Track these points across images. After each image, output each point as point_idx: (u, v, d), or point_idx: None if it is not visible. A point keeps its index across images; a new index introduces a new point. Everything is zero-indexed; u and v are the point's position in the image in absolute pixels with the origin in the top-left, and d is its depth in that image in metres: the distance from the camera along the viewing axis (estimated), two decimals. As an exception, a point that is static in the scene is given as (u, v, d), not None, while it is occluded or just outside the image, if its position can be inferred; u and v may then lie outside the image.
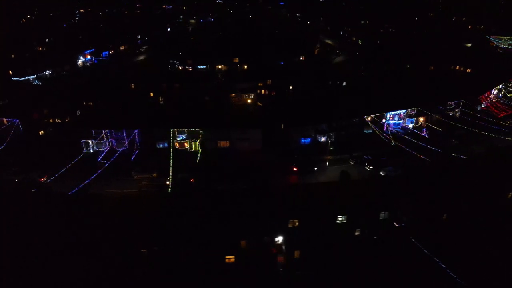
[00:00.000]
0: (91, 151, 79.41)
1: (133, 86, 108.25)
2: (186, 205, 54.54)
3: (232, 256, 48.64)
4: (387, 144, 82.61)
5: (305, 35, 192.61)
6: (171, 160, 69.58)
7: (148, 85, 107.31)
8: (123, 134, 78.96)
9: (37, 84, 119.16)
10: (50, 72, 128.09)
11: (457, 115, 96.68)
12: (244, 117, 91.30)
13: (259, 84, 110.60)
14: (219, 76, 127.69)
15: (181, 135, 79.48)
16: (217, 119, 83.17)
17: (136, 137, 78.77)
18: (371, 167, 73.67)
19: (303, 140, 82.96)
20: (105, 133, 78.76)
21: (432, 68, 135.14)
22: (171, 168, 67.59)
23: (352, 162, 76.17)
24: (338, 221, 52.21)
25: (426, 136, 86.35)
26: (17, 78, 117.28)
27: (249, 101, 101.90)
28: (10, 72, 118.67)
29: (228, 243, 49.31)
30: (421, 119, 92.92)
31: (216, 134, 79.54)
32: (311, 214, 51.26)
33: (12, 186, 65.54)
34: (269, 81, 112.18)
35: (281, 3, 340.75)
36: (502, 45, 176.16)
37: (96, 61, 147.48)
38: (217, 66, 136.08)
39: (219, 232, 49.85)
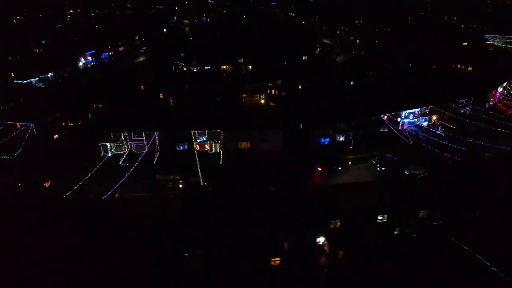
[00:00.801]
0: (109, 154, 77.89)
1: (142, 87, 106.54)
2: (222, 208, 54.05)
3: (278, 258, 48.20)
4: (404, 143, 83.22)
5: (304, 35, 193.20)
6: (197, 162, 68.69)
7: (157, 87, 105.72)
8: (143, 137, 77.66)
9: (40, 87, 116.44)
10: (52, 74, 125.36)
11: (468, 113, 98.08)
12: (260, 117, 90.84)
13: (269, 84, 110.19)
14: (224, 76, 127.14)
15: (202, 136, 78.61)
16: (235, 120, 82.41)
17: (156, 139, 77.53)
18: (383, 168, 72.95)
19: (322, 140, 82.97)
20: (124, 136, 77.33)
21: (434, 66, 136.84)
22: (199, 170, 66.65)
23: (374, 161, 76.50)
24: (378, 221, 52.33)
25: (441, 134, 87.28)
26: (20, 81, 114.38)
27: (262, 101, 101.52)
28: (12, 75, 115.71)
29: (272, 245, 48.90)
30: (434, 117, 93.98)
31: (237, 135, 78.85)
32: (352, 214, 51.27)
33: (15, 191, 64.07)
34: (279, 81, 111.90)
35: (273, 3, 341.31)
36: (497, 44, 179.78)
37: (97, 63, 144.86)
38: (222, 67, 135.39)
39: (261, 235, 49.51)
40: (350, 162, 76.17)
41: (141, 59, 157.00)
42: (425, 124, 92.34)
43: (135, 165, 70.00)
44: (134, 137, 77.74)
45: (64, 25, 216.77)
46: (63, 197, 58.76)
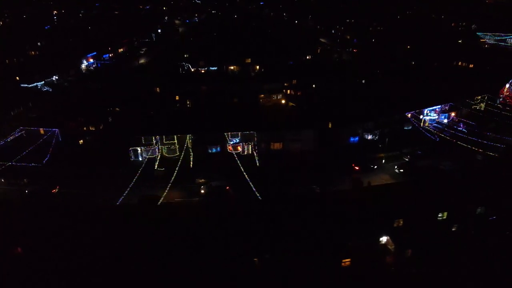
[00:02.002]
0: (140, 159, 75.96)
1: (158, 89, 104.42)
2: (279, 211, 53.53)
3: (348, 259, 48.04)
4: (429, 140, 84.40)
5: (300, 35, 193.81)
6: (240, 165, 67.77)
7: (173, 89, 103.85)
8: (175, 140, 76.02)
9: (47, 91, 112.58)
10: (57, 77, 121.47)
11: (482, 109, 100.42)
12: (284, 117, 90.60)
13: (285, 84, 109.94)
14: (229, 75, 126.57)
15: (234, 138, 77.58)
16: (265, 121, 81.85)
17: (188, 142, 76.04)
18: (401, 170, 71.73)
19: (352, 139, 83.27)
20: (155, 140, 75.57)
21: (436, 64, 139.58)
22: (244, 173, 65.71)
23: (406, 158, 77.23)
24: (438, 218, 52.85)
25: (464, 130, 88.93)
26: (25, 85, 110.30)
27: (283, 101, 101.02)
28: (17, 78, 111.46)
29: (341, 246, 48.70)
30: (453, 113, 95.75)
31: (269, 136, 78.19)
32: (415, 213, 51.58)
33: (22, 198, 62.12)
34: (294, 81, 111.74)
35: (261, 3, 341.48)
36: (489, 41, 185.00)
37: (99, 65, 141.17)
38: (229, 67, 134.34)
39: (328, 236, 49.26)
40: (383, 161, 76.58)
41: (142, 60, 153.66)
42: (445, 121, 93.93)
43: (177, 169, 68.00)
44: (165, 141, 75.90)
45: (53, 26, 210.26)
46: (116, 204, 57.01)
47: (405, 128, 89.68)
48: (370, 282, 46.40)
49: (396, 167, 73.37)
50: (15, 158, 71.93)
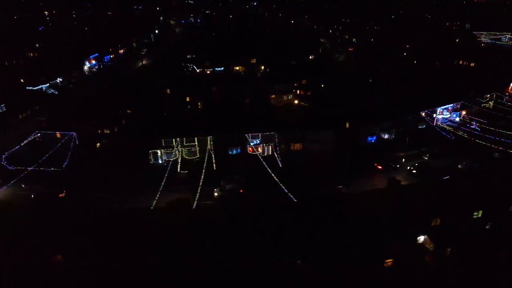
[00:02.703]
0: (160, 161, 74.95)
1: (168, 91, 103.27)
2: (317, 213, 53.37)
3: (390, 260, 48.02)
4: (444, 139, 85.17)
5: (300, 35, 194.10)
6: (265, 166, 67.31)
7: (184, 90, 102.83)
8: (195, 142, 75.22)
9: (53, 93, 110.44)
10: (61, 79, 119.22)
11: (491, 107, 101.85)
12: (297, 117, 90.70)
13: (295, 84, 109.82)
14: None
15: (255, 139, 77.11)
16: (284, 122, 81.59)
17: (209, 144, 75.28)
18: (414, 171, 70.56)
19: (369, 138, 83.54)
20: (175, 142, 74.63)
21: (438, 63, 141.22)
22: (273, 175, 65.27)
23: (426, 157, 77.68)
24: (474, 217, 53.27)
25: (477, 128, 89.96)
26: (31, 87, 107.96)
27: (296, 101, 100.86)
28: (22, 81, 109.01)
29: (383, 247, 48.67)
30: (463, 112, 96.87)
31: (289, 137, 77.92)
32: (451, 212, 51.87)
33: (30, 202, 61.04)
34: (303, 81, 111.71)
35: (254, 3, 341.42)
36: (485, 40, 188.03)
37: (101, 66, 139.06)
38: (234, 68, 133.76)
39: (368, 237, 49.22)
40: (403, 160, 76.94)
41: (144, 61, 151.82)
42: (457, 119, 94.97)
43: (203, 171, 67.18)
44: (185, 143, 75.04)
45: (47, 27, 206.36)
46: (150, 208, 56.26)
47: (419, 127, 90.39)
48: (413, 282, 46.44)
49: (408, 167, 72.57)
50: (32, 163, 70.32)
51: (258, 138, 77.21)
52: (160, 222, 52.32)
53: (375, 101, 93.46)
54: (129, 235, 49.47)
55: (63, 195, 62.94)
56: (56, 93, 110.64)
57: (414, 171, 71.06)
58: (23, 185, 64.96)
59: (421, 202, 53.99)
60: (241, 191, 63.94)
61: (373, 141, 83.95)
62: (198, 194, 60.78)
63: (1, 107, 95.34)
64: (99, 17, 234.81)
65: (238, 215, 54.67)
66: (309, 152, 78.53)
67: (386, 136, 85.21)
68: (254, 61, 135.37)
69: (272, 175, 65.62)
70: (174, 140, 74.53)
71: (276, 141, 76.64)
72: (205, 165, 68.84)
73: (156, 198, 59.56)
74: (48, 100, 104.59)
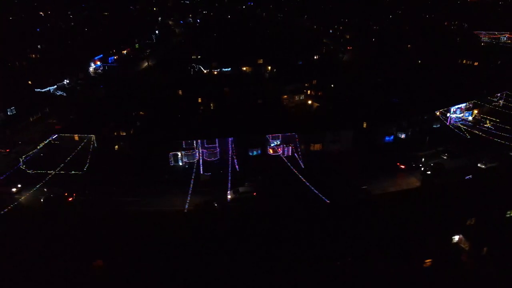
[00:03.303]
0: (180, 163, 74.21)
1: (180, 92, 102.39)
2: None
3: (430, 260, 48.04)
4: (460, 138, 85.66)
5: (302, 35, 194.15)
6: (291, 167, 66.94)
7: (196, 91, 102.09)
8: (215, 144, 74.63)
9: (61, 95, 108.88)
10: (68, 81, 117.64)
11: (501, 106, 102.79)
12: (311, 118, 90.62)
13: (306, 84, 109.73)
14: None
15: (275, 140, 76.72)
16: (303, 123, 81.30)
17: (230, 146, 74.77)
18: (428, 172, 69.54)
19: (387, 138, 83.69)
20: (196, 144, 73.95)
21: (442, 63, 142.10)
22: (300, 176, 64.97)
23: (444, 156, 77.98)
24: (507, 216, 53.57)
25: (491, 127, 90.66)
26: (39, 89, 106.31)
27: (309, 102, 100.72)
28: (30, 83, 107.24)
29: (421, 247, 48.71)
30: (476, 111, 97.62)
31: (309, 138, 77.67)
32: (485, 211, 52.10)
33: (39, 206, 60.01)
34: (314, 81, 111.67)
35: (250, 3, 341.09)
36: (484, 39, 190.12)
37: (106, 68, 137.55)
38: (242, 68, 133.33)
39: (404, 237, 49.25)
40: (423, 159, 77.14)
41: (148, 62, 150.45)
42: (470, 118, 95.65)
43: (228, 171, 66.65)
44: (206, 145, 74.40)
45: (45, 28, 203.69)
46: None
47: (434, 126, 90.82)
48: (452, 281, 46.48)
49: (423, 168, 71.59)
50: (50, 166, 69.18)
51: (279, 139, 76.81)
52: (192, 225, 51.76)
53: (389, 101, 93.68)
54: (164, 238, 48.79)
55: (73, 199, 61.83)
56: (65, 95, 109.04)
57: (429, 172, 70.55)
58: (45, 189, 63.76)
59: (454, 201, 54.12)
60: (254, 194, 63.05)
61: (390, 140, 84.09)
62: (229, 196, 60.04)
63: (11, 109, 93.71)
64: (97, 18, 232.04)
65: (260, 216, 54.45)
66: (329, 153, 78.44)
67: (403, 136, 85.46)
68: (261, 61, 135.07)
69: (300, 176, 65.19)
70: (194, 142, 73.71)
71: (297, 141, 76.26)
72: (230, 167, 68.07)
73: (188, 200, 58.73)
74: (58, 102, 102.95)
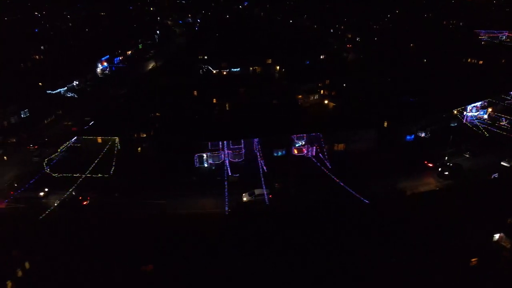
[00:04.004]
0: (205, 165, 73.53)
1: (195, 93, 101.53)
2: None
3: (475, 259, 48.15)
4: (478, 136, 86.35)
5: (304, 34, 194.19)
6: (324, 169, 66.77)
7: (211, 91, 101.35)
8: (241, 145, 74.08)
9: (72, 97, 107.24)
10: (77, 82, 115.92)
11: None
12: (329, 118, 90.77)
13: (319, 84, 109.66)
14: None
15: (300, 140, 76.45)
16: (327, 123, 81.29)
17: (255, 146, 74.36)
18: (446, 173, 69.14)
19: (408, 137, 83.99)
20: (222, 145, 73.33)
21: (446, 62, 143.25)
22: (333, 176, 64.76)
23: (467, 154, 78.46)
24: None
25: (507, 125, 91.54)
26: (50, 91, 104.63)
27: (325, 101, 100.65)
28: (40, 84, 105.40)
29: (465, 246, 48.78)
30: (490, 109, 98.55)
31: (333, 137, 77.53)
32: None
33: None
34: (327, 81, 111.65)
35: (246, 3, 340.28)
36: (484, 38, 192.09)
37: (113, 68, 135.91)
38: (250, 68, 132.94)
39: (448, 236, 49.31)
40: (446, 157, 77.51)
41: (153, 63, 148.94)
42: (485, 116, 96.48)
43: (260, 172, 66.11)
44: (232, 146, 73.82)
45: (44, 29, 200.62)
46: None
47: (451, 124, 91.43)
48: (498, 279, 46.65)
49: (439, 169, 70.92)
50: (74, 169, 68.08)
51: (303, 139, 76.58)
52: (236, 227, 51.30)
53: (404, 100, 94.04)
54: (210, 240, 48.26)
55: (87, 202, 60.87)
56: (76, 96, 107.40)
57: (446, 173, 69.95)
58: (73, 193, 62.63)
59: (490, 199, 54.37)
60: (270, 196, 62.53)
61: (411, 139, 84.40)
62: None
63: (25, 112, 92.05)
64: (95, 18, 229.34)
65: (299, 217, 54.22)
66: (352, 152, 78.39)
67: (423, 135, 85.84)
68: (269, 61, 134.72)
69: (333, 177, 64.99)
70: (220, 143, 73.10)
71: (322, 141, 76.08)
72: (260, 168, 67.63)
73: (226, 202, 58.19)
74: (70, 104, 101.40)
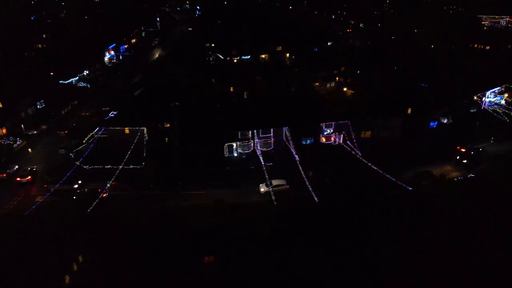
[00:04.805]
0: (235, 154, 73.00)
1: (213, 81, 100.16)
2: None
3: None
4: (499, 121, 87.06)
5: (306, 21, 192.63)
6: (359, 156, 66.75)
7: (228, 80, 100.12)
8: (270, 134, 73.54)
9: (85, 87, 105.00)
10: (87, 72, 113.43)
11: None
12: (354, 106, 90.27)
13: (335, 71, 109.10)
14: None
15: (329, 128, 76.18)
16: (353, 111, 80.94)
17: (284, 135, 73.97)
18: (465, 161, 69.11)
19: (431, 124, 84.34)
20: (251, 134, 72.72)
21: (453, 47, 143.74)
22: (367, 162, 64.82)
23: (491, 140, 79.12)
24: None
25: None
26: (62, 81, 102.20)
27: (344, 89, 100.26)
28: (52, 74, 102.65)
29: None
30: (506, 95, 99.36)
31: (360, 125, 77.39)
32: None
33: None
34: (342, 68, 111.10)
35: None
36: (487, 24, 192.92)
37: (121, 57, 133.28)
38: (260, 56, 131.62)
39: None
40: (469, 144, 77.85)
41: (159, 52, 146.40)
42: (502, 102, 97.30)
43: (296, 160, 65.77)
44: (261, 134, 73.24)
45: (41, 17, 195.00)
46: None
47: (471, 111, 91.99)
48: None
49: (458, 157, 70.40)
50: (103, 161, 67.02)
51: (332, 127, 76.30)
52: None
53: (419, 86, 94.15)
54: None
55: (106, 195, 60.02)
56: (88, 86, 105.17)
57: (465, 161, 69.71)
58: (108, 185, 61.65)
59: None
60: (287, 187, 61.86)
61: (435, 126, 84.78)
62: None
63: (41, 103, 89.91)
64: (92, 5, 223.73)
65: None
66: (379, 140, 78.47)
67: (445, 121, 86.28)
68: (279, 48, 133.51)
69: (369, 164, 65.03)
70: (250, 132, 72.47)
71: (350, 129, 75.91)
72: (296, 157, 67.31)
73: (272, 192, 57.84)
74: (83, 94, 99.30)
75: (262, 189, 61.29)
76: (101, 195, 58.95)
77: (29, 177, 63.20)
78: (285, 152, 72.55)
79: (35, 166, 66.64)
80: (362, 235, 48.48)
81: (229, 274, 42.07)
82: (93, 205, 56.25)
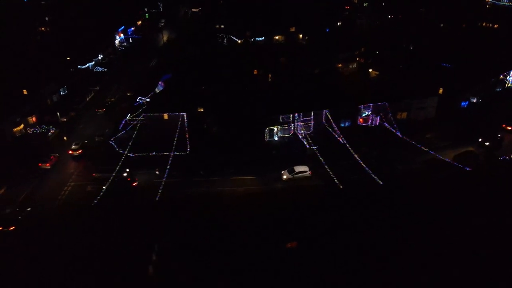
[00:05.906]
0: (276, 138, 72.31)
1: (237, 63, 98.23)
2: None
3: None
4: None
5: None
6: (406, 138, 66.82)
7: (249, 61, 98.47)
8: (311, 117, 72.93)
9: (103, 71, 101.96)
10: (101, 56, 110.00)
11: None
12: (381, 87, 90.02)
13: (356, 52, 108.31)
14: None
15: (367, 110, 75.91)
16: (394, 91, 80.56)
17: (324, 117, 73.49)
18: (487, 143, 67.79)
19: (463, 103, 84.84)
20: (292, 118, 71.99)
21: (464, 25, 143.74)
22: (419, 145, 64.92)
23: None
24: None
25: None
26: (80, 66, 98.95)
27: (370, 70, 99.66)
28: (68, 59, 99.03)
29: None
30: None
31: (396, 106, 77.22)
32: None
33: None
34: (363, 49, 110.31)
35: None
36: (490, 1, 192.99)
37: (130, 40, 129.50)
38: (274, 37, 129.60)
39: None
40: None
41: (167, 34, 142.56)
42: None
43: (344, 142, 65.46)
44: (302, 118, 72.56)
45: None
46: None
47: (496, 90, 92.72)
48: None
49: (480, 139, 69.84)
50: (148, 148, 65.70)
51: (369, 109, 76.04)
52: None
53: (449, 66, 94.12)
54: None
55: (136, 184, 58.74)
56: (106, 70, 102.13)
57: (487, 143, 69.23)
58: (157, 172, 60.50)
59: None
60: (310, 173, 60.74)
61: (465, 105, 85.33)
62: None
63: (64, 89, 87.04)
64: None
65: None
66: (415, 120, 78.58)
67: (474, 100, 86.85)
68: (293, 29, 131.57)
69: (419, 145, 65.14)
70: (291, 116, 71.69)
71: (389, 110, 75.76)
72: (341, 140, 67.02)
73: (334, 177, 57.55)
74: (101, 79, 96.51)
75: (284, 176, 60.12)
76: (132, 184, 57.98)
77: (80, 150, 65.14)
78: (324, 135, 72.21)
79: (86, 140, 68.92)
80: (435, 216, 48.63)
81: (311, 260, 41.96)
82: (159, 193, 55.17)
